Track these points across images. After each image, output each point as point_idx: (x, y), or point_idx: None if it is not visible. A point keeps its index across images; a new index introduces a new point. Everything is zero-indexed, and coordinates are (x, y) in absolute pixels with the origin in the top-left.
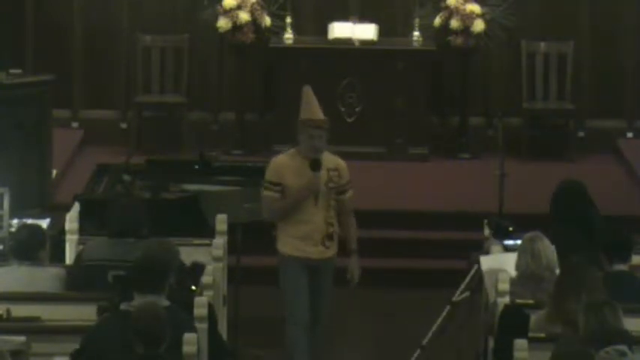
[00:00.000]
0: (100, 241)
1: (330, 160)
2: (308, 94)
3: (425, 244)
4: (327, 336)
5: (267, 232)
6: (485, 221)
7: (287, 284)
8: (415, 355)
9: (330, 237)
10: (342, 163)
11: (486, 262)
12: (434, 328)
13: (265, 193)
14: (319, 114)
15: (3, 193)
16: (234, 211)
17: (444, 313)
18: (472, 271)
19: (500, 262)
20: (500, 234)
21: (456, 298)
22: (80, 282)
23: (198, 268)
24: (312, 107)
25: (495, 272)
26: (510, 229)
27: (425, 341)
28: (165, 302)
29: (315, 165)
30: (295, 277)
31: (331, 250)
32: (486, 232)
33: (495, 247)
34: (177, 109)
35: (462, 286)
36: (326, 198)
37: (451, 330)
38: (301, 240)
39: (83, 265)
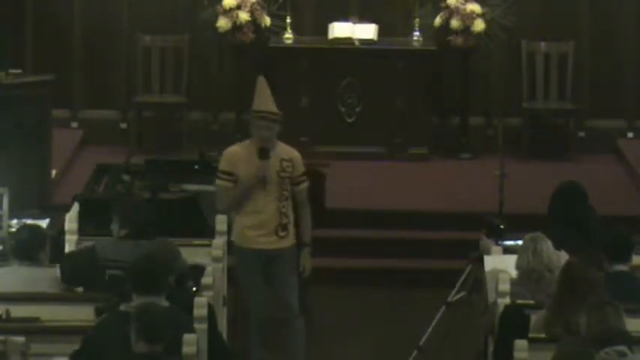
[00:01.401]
0: (115, 242)
1: (285, 150)
2: (260, 84)
3: (425, 244)
4: (326, 336)
5: None
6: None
7: (242, 277)
8: (413, 355)
9: (284, 227)
10: (296, 154)
11: (489, 261)
12: (430, 328)
13: (218, 182)
14: (268, 105)
15: (3, 193)
16: None
17: (440, 314)
18: (466, 271)
19: (503, 263)
20: (493, 232)
21: (451, 298)
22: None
23: (198, 270)
24: (261, 98)
25: (497, 272)
26: (502, 227)
27: (422, 342)
28: (165, 303)
29: (263, 153)
30: (247, 269)
31: (286, 241)
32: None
33: (493, 248)
34: (177, 109)
35: (457, 287)
36: (278, 188)
37: (451, 330)
38: (255, 230)
39: (100, 264)
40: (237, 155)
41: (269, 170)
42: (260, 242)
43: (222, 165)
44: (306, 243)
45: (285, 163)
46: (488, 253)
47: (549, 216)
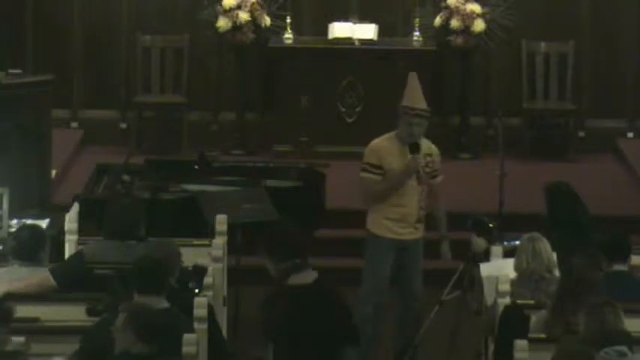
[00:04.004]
0: (102, 244)
1: (426, 145)
2: (412, 80)
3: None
4: None
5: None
6: (469, 221)
7: (371, 263)
8: (408, 354)
9: (419, 219)
10: (435, 149)
11: (486, 268)
12: (423, 329)
13: (365, 175)
14: (420, 102)
15: (3, 193)
16: (234, 211)
17: (434, 312)
18: (459, 270)
19: (500, 268)
20: (481, 231)
21: (444, 296)
22: (77, 281)
23: (200, 271)
24: (413, 94)
25: (494, 278)
26: (490, 225)
27: (416, 340)
28: (165, 304)
29: (415, 148)
30: (380, 258)
31: (420, 232)
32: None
33: (493, 248)
34: (177, 109)
35: (449, 285)
36: (420, 182)
37: (447, 329)
38: (396, 222)
39: (89, 267)
40: (385, 149)
41: (421, 165)
42: (398, 232)
43: (370, 158)
44: (444, 235)
45: (428, 159)
46: (480, 251)
47: (549, 219)
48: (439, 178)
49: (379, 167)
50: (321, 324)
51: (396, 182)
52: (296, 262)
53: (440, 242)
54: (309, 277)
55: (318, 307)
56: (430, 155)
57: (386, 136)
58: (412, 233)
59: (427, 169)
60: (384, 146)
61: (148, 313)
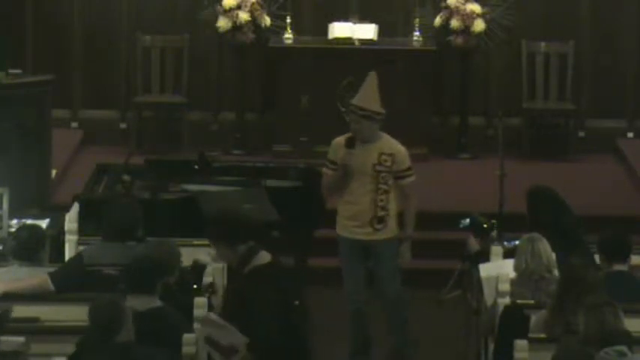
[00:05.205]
0: (101, 245)
1: (388, 144)
2: (367, 80)
3: (424, 244)
4: (326, 336)
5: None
6: (462, 221)
7: (342, 263)
8: (407, 353)
9: (380, 220)
10: (399, 149)
11: (485, 269)
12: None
13: (323, 170)
14: (361, 100)
15: (3, 193)
16: None
17: (433, 312)
18: (457, 270)
19: (499, 269)
20: (477, 231)
21: (443, 296)
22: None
23: (199, 267)
24: (360, 93)
25: (494, 279)
26: (485, 225)
27: (414, 338)
28: (157, 303)
29: (348, 142)
30: (345, 256)
31: (383, 233)
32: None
33: (494, 248)
34: (177, 109)
35: (449, 285)
36: (374, 180)
37: (447, 328)
38: (349, 220)
39: (89, 269)
40: (339, 145)
41: (352, 160)
42: (356, 232)
43: (328, 153)
44: (408, 235)
45: (384, 157)
46: (473, 251)
47: (535, 224)
48: (407, 180)
49: (333, 162)
50: (295, 295)
51: (336, 177)
52: (252, 245)
53: (401, 242)
54: (266, 256)
55: (288, 280)
56: (390, 155)
57: (348, 133)
58: (370, 234)
59: (379, 167)
60: (339, 142)
61: (98, 311)
